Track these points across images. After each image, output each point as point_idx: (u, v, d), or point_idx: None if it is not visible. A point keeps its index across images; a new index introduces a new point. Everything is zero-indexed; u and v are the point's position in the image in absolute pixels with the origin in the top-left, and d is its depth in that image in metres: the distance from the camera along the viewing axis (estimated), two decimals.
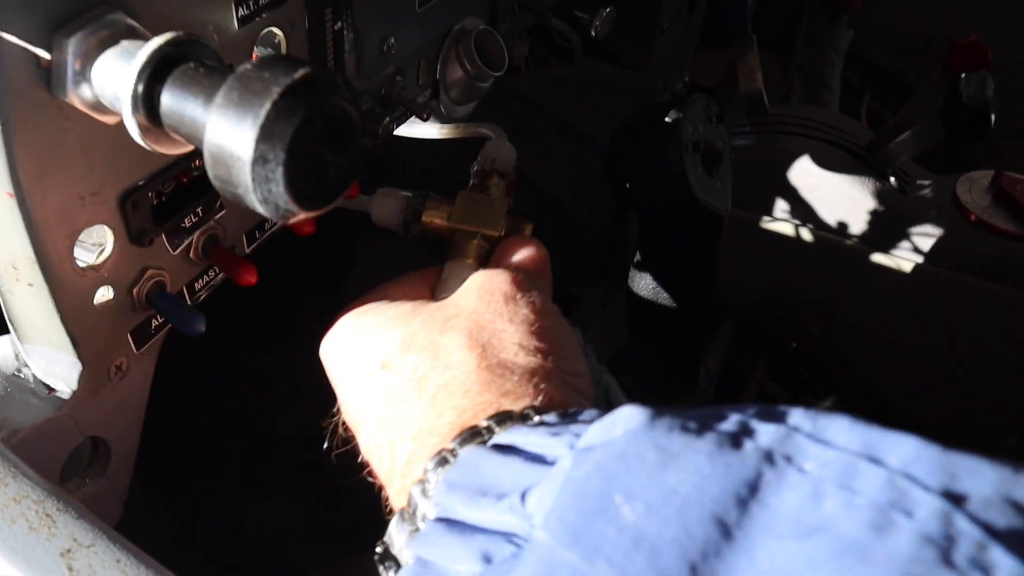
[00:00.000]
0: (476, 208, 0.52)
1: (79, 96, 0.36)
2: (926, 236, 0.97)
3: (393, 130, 0.60)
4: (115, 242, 0.43)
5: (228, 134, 0.31)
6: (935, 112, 0.96)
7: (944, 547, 0.21)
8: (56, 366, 0.44)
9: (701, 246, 0.68)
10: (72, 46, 0.35)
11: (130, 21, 0.37)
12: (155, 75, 0.34)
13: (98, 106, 0.37)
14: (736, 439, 0.25)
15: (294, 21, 0.50)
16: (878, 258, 0.99)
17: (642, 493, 0.24)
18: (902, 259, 0.98)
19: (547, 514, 0.26)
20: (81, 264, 0.41)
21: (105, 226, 0.42)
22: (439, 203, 0.53)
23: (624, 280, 0.68)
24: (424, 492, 0.33)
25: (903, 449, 0.23)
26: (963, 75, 0.92)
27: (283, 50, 0.50)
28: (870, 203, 1.00)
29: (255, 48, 0.47)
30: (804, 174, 1.04)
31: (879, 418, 0.24)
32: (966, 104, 0.91)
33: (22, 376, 0.45)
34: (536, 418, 0.34)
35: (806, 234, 1.03)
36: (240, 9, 0.45)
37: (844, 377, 1.17)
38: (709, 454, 0.24)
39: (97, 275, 0.43)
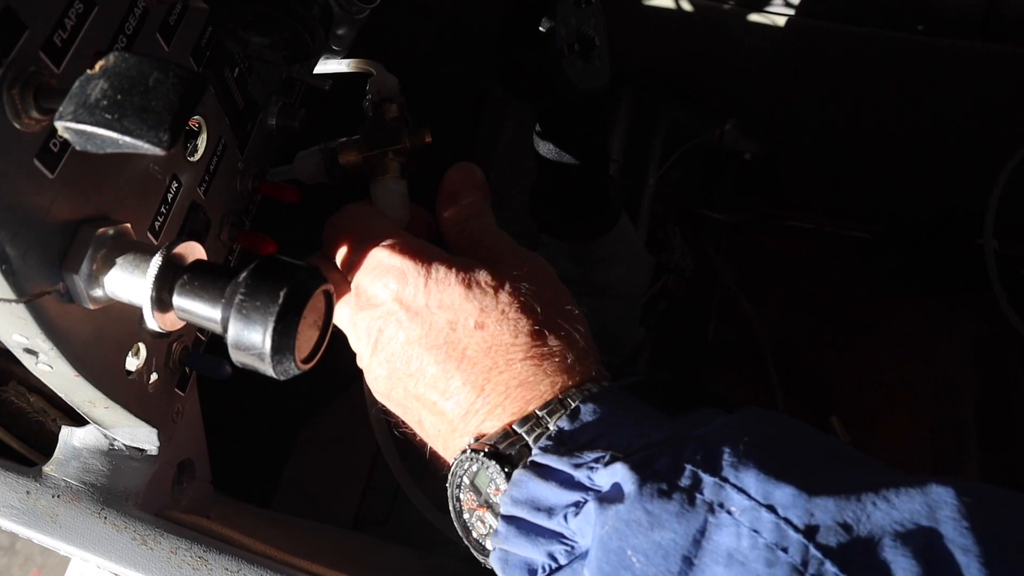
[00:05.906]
0: (379, 133, 0.62)
1: (95, 300, 0.45)
2: None
3: (304, 118, 0.66)
4: (148, 349, 0.54)
5: (247, 339, 0.41)
6: None
7: (801, 571, 0.36)
8: (138, 435, 0.57)
9: (591, 116, 0.77)
10: (80, 278, 0.44)
11: (112, 231, 0.45)
12: (162, 282, 0.43)
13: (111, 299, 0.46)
14: (691, 495, 0.39)
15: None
16: (754, 17, 1.07)
17: (642, 548, 0.39)
18: (775, 14, 1.06)
19: (588, 564, 0.41)
20: (134, 377, 0.53)
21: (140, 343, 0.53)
22: (348, 143, 0.63)
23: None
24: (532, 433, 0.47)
25: (784, 498, 0.37)
26: None
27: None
28: None
29: None
30: None
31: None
32: None
33: (116, 448, 0.58)
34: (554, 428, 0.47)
35: (685, 4, 1.09)
36: None
37: (742, 108, 1.29)
38: (676, 513, 0.39)
39: (145, 370, 0.54)
